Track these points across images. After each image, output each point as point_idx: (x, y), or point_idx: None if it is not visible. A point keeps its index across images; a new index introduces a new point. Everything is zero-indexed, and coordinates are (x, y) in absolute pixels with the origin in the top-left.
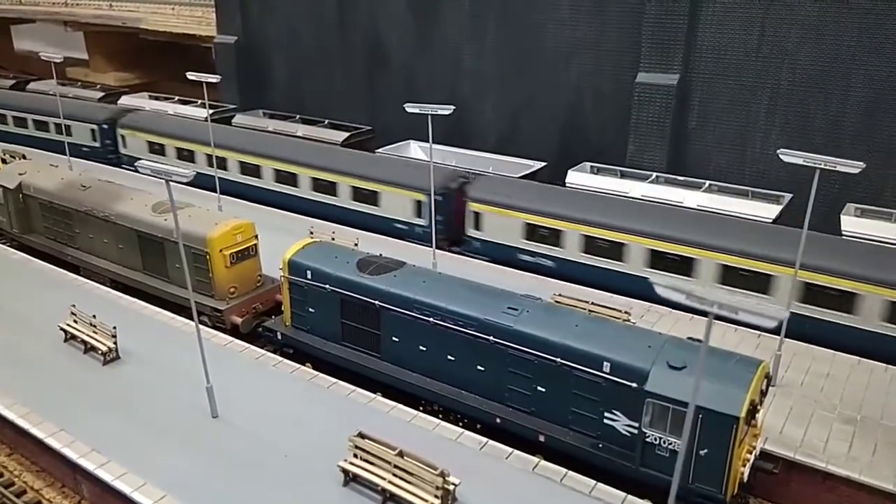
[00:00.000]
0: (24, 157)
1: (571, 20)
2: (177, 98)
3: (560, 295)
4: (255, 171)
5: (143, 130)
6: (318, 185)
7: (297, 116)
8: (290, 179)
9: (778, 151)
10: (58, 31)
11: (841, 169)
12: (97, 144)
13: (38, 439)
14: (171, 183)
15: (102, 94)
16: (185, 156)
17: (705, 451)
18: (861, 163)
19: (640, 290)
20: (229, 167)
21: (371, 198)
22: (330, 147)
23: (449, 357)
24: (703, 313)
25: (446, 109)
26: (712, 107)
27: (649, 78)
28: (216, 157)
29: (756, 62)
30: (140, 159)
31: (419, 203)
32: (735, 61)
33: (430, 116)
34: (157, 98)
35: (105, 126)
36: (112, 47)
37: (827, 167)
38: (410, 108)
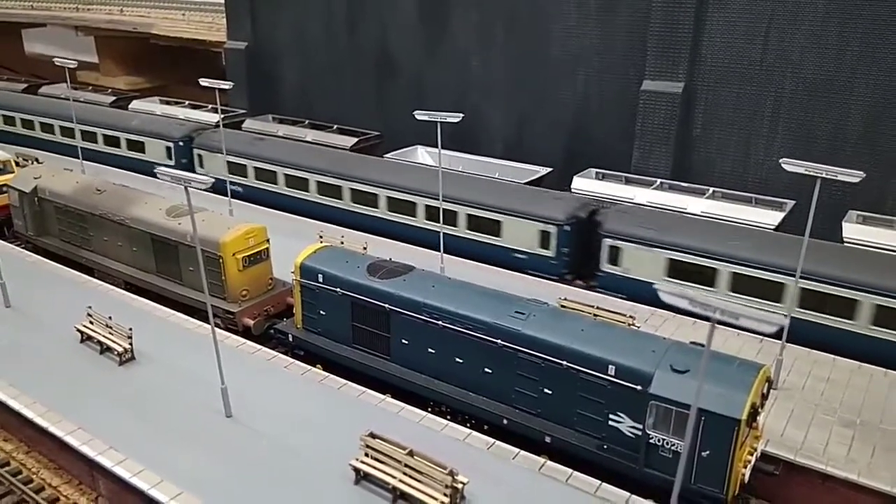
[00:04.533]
0: (36, 160)
1: (578, 28)
2: (187, 103)
3: (566, 299)
4: (91, 137)
5: None
6: (131, 145)
7: (307, 122)
8: (115, 142)
9: (780, 161)
10: (68, 36)
11: (842, 178)
12: None
13: (56, 437)
14: (188, 189)
15: (114, 98)
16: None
17: (707, 452)
18: (861, 172)
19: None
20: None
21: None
22: (135, 115)
23: (457, 360)
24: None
25: (455, 117)
26: (716, 114)
27: (654, 86)
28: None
29: (760, 70)
30: None
31: (169, 149)
32: (739, 70)
33: (438, 124)
34: (167, 103)
35: None
36: (122, 51)
37: (828, 176)
38: (420, 116)
